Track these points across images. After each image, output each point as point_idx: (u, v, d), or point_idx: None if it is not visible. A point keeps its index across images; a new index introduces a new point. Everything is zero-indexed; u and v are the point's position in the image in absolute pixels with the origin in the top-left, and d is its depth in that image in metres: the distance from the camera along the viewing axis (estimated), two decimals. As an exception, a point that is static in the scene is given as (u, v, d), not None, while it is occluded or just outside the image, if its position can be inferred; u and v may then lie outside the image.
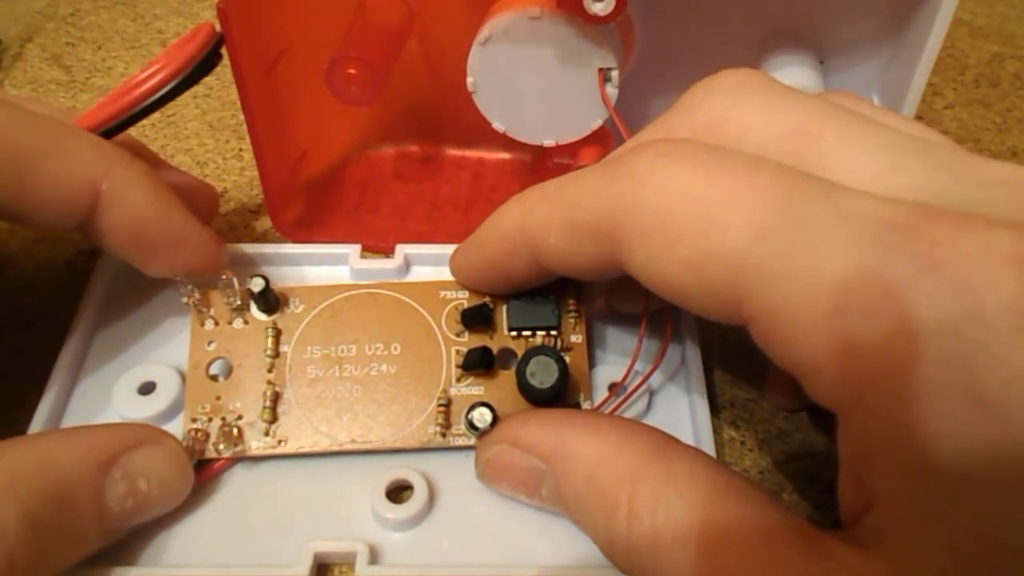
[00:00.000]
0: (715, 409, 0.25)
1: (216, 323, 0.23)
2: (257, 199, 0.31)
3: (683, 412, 0.24)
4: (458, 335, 0.23)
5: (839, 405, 0.15)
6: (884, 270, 0.14)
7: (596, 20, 0.22)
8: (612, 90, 0.24)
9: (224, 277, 0.22)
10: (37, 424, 0.22)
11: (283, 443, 0.22)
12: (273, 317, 0.23)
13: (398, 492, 0.22)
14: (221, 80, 0.36)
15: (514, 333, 0.23)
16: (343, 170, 0.32)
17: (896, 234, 0.14)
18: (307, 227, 0.29)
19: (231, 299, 0.23)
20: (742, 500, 0.17)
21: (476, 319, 0.23)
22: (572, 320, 0.23)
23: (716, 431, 0.24)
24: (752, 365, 0.25)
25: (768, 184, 0.16)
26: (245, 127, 0.35)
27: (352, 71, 0.25)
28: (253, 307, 0.23)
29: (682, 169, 0.17)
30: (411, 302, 0.23)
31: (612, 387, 0.23)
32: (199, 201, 0.25)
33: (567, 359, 0.22)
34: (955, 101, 0.36)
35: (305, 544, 0.20)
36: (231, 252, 0.25)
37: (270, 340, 0.22)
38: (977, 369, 0.13)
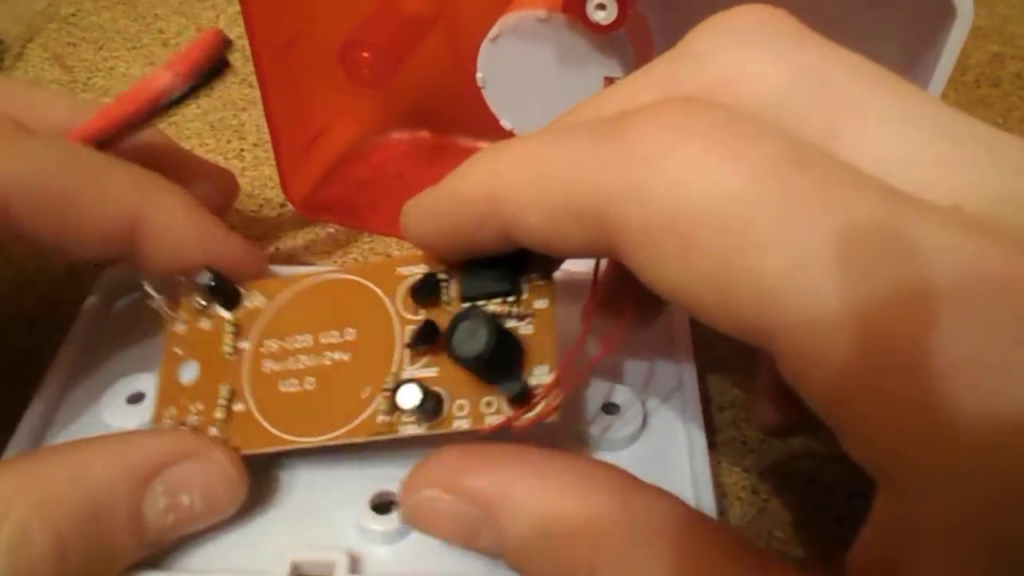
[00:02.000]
0: (716, 409, 0.25)
1: (186, 323, 0.22)
2: (258, 199, 0.31)
3: (679, 436, 0.23)
4: (415, 314, 0.20)
5: (879, 465, 0.13)
6: (983, 350, 0.11)
7: (599, 29, 0.22)
8: None
9: (182, 279, 0.22)
10: (23, 433, 0.21)
11: (230, 442, 0.21)
12: (234, 313, 0.22)
13: (384, 504, 0.21)
14: (222, 80, 0.36)
15: (468, 304, 0.20)
16: (357, 153, 0.32)
17: (1000, 301, 0.12)
18: (318, 205, 0.30)
19: (195, 299, 0.22)
20: (720, 558, 0.15)
21: (424, 293, 0.20)
22: (539, 283, 0.19)
23: (717, 431, 0.24)
24: (752, 365, 0.25)
25: (820, 192, 0.13)
26: (246, 127, 0.35)
27: (366, 54, 0.26)
28: (217, 306, 0.22)
29: (702, 153, 0.14)
30: (367, 283, 0.22)
31: (606, 408, 0.22)
32: (219, 187, 0.25)
33: (529, 330, 0.19)
34: (955, 101, 0.36)
35: (283, 553, 0.19)
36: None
37: (228, 337, 0.22)
38: (999, 399, 0.11)
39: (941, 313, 0.12)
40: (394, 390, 0.19)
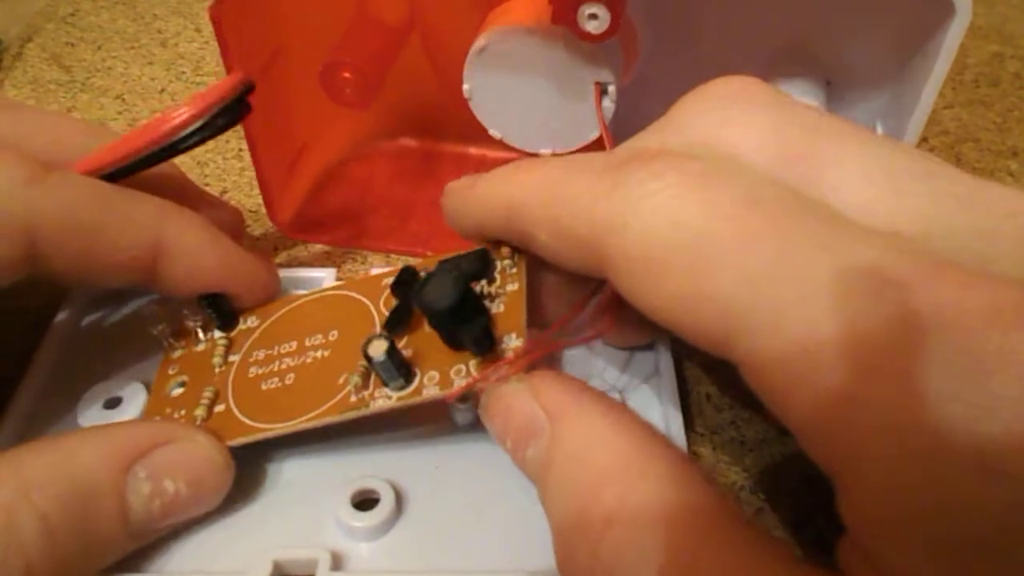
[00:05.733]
0: (715, 409, 0.25)
1: (183, 348, 0.23)
2: (257, 199, 0.31)
3: (656, 424, 0.22)
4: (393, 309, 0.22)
5: (833, 467, 0.14)
6: (882, 331, 0.13)
7: (590, 38, 0.21)
8: (609, 104, 0.24)
9: (185, 311, 0.23)
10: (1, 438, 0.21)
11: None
12: (229, 332, 0.23)
13: (365, 501, 0.21)
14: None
15: (438, 263, 0.22)
16: (343, 167, 0.32)
17: (897, 292, 0.13)
18: (306, 225, 0.30)
19: (194, 322, 0.23)
20: (750, 554, 0.15)
21: (402, 285, 0.21)
22: (510, 271, 0.21)
23: (717, 431, 0.24)
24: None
25: (764, 224, 0.15)
26: (244, 126, 0.35)
27: (347, 75, 0.25)
28: (215, 330, 0.23)
29: (675, 197, 0.16)
30: (355, 295, 0.23)
31: None
32: (227, 221, 0.26)
33: (500, 308, 0.20)
34: (955, 101, 0.36)
35: (265, 552, 0.19)
36: None
37: (219, 351, 0.22)
38: (982, 432, 0.12)
39: (924, 371, 0.13)
40: (366, 370, 0.20)
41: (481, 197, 0.21)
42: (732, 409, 0.25)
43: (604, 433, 0.17)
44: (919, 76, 0.23)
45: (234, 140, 0.34)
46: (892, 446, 0.13)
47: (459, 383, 0.19)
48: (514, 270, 0.21)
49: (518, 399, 0.19)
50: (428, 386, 0.20)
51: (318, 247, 0.30)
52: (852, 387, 0.13)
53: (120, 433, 0.19)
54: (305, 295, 0.23)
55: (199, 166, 0.33)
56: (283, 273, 0.26)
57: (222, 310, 0.23)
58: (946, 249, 0.15)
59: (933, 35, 0.22)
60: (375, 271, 0.24)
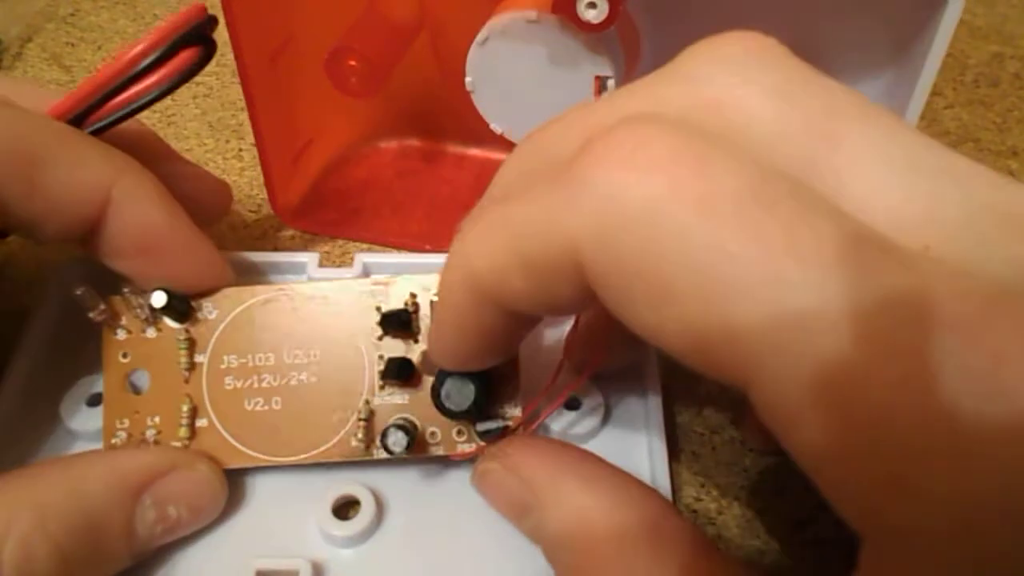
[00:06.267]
0: (715, 409, 0.25)
1: (129, 332, 0.22)
2: (257, 199, 0.31)
3: (639, 431, 0.23)
4: (379, 338, 0.21)
5: (865, 531, 0.13)
6: (937, 386, 0.11)
7: (589, 28, 0.22)
8: None
9: (126, 289, 0.21)
10: None
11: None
12: (185, 325, 0.22)
13: (345, 508, 0.21)
14: (221, 80, 0.36)
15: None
16: (346, 163, 0.32)
17: (953, 338, 0.11)
18: (307, 216, 0.30)
19: (139, 310, 0.22)
20: None
21: (394, 323, 0.21)
22: None
23: (716, 431, 0.24)
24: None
25: (789, 237, 0.12)
26: (245, 127, 0.35)
27: (352, 63, 0.25)
28: (165, 318, 0.22)
29: (665, 192, 0.13)
30: (331, 303, 0.22)
31: (567, 403, 0.23)
32: (212, 196, 0.25)
33: (488, 373, 0.20)
34: (955, 101, 0.36)
35: (248, 561, 0.19)
36: None
37: (183, 351, 0.21)
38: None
39: (919, 376, 0.11)
40: (368, 419, 0.21)
41: (443, 295, 0.18)
42: (732, 409, 0.25)
43: (586, 500, 0.18)
44: (913, 69, 0.23)
45: (234, 140, 0.34)
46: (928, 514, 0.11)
47: (463, 447, 0.21)
48: None
49: (501, 482, 0.19)
50: (432, 444, 0.21)
51: (318, 238, 0.30)
52: (894, 454, 0.12)
53: (128, 463, 0.20)
54: (271, 289, 0.22)
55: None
56: (266, 257, 0.26)
57: (176, 306, 0.21)
58: (984, 274, 0.13)
59: (926, 28, 0.22)
60: (348, 275, 0.24)
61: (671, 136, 0.14)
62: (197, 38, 0.21)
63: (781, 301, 0.12)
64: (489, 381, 0.20)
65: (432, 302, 0.21)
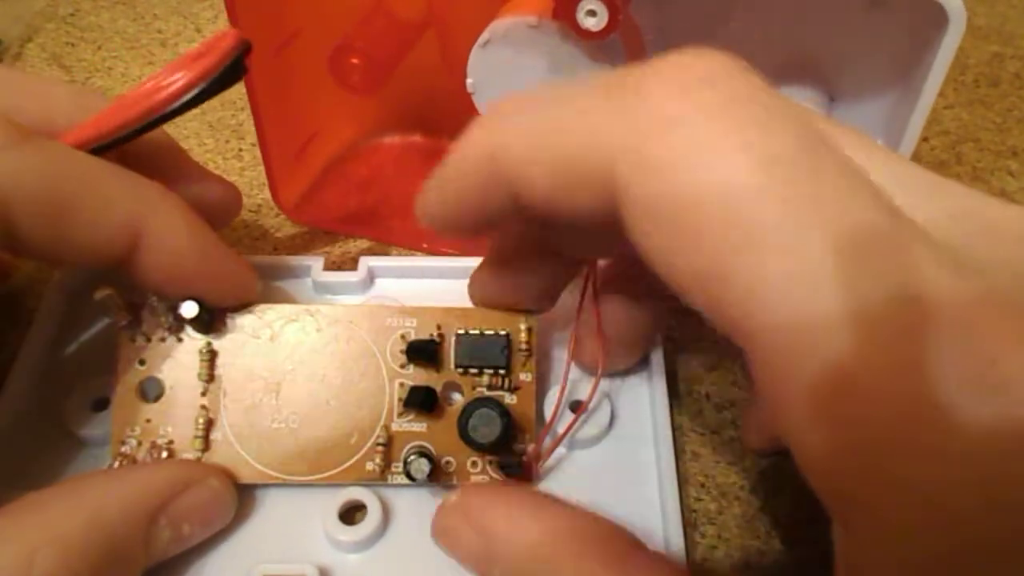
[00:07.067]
0: (716, 409, 0.25)
1: (148, 339, 0.21)
2: (256, 199, 0.31)
3: (647, 435, 0.23)
4: (402, 367, 0.22)
5: (841, 515, 0.13)
6: (930, 380, 0.11)
7: (589, 36, 0.22)
8: None
9: (153, 298, 0.21)
10: None
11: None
12: (209, 337, 0.22)
13: (351, 513, 0.21)
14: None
15: (460, 370, 0.22)
16: (350, 159, 0.32)
17: (949, 335, 0.12)
18: (309, 211, 0.30)
19: (164, 318, 0.21)
20: None
21: (421, 354, 0.21)
22: (523, 358, 0.22)
23: (717, 431, 0.24)
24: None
25: (819, 202, 0.12)
26: (245, 127, 0.35)
27: (355, 60, 0.25)
28: (187, 327, 0.21)
29: (717, 136, 0.13)
30: (355, 327, 0.22)
31: (575, 407, 0.23)
32: (223, 201, 0.25)
33: (513, 400, 0.21)
34: (955, 101, 0.36)
35: (254, 567, 0.19)
36: None
37: (204, 363, 0.21)
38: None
39: (913, 370, 0.11)
40: (387, 444, 0.21)
41: (453, 159, 0.17)
42: (732, 409, 0.25)
43: (540, 552, 0.17)
44: (916, 83, 0.23)
45: (234, 140, 0.34)
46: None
47: (477, 478, 0.21)
48: (525, 355, 0.22)
49: (457, 534, 0.19)
50: (445, 473, 0.21)
51: (313, 237, 0.30)
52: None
53: (144, 487, 0.19)
54: (298, 309, 0.22)
55: (199, 166, 0.33)
56: (270, 260, 0.26)
57: (205, 318, 0.21)
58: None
59: (929, 44, 0.22)
60: (375, 299, 0.24)
61: (735, 79, 0.13)
62: (234, 67, 0.20)
63: (805, 256, 0.12)
64: (511, 416, 0.21)
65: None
